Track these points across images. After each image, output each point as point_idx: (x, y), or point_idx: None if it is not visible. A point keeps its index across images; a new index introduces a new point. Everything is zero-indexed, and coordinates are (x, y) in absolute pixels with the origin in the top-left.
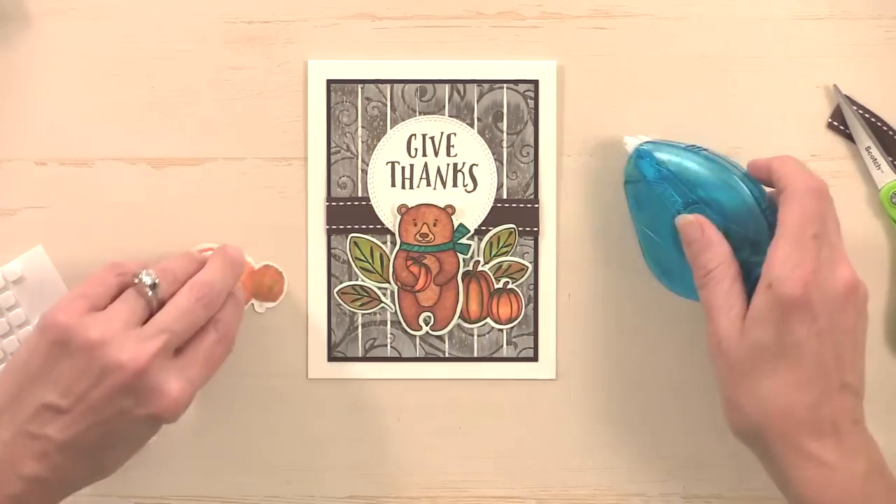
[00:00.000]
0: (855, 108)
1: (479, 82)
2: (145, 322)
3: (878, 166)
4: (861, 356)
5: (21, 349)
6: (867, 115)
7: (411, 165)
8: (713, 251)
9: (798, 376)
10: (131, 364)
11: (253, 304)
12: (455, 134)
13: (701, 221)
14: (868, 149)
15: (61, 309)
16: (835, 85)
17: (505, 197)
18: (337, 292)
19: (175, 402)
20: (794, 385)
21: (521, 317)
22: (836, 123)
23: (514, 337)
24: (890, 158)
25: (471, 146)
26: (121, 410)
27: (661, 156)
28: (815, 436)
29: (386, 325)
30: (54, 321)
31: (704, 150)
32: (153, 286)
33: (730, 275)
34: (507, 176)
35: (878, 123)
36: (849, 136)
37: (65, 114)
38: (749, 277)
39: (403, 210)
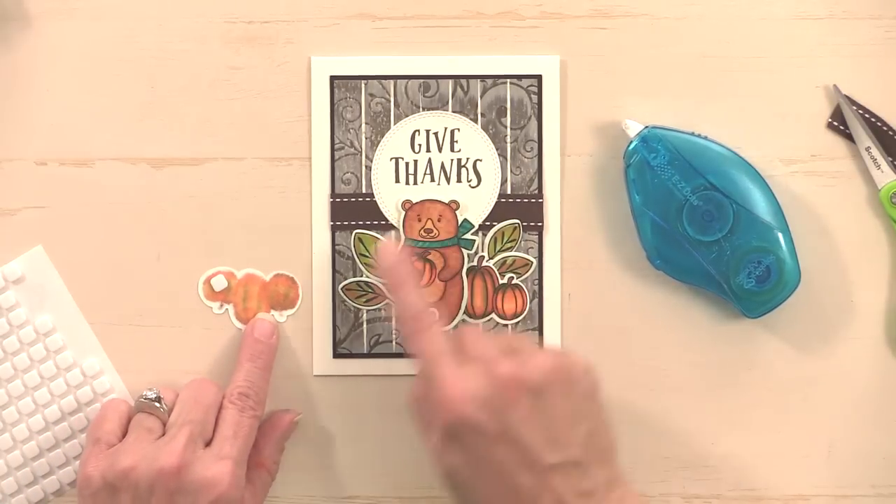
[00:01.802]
0: (855, 108)
1: (483, 77)
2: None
3: (878, 166)
4: (579, 423)
5: None
6: (867, 115)
7: (415, 161)
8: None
9: (496, 486)
10: (167, 465)
11: (274, 315)
12: (459, 129)
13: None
14: (868, 149)
15: (85, 462)
16: (835, 85)
17: (509, 192)
18: (341, 288)
19: (224, 482)
20: (497, 495)
21: (525, 312)
22: (836, 123)
23: (519, 332)
24: (890, 158)
25: (474, 141)
26: None
27: (668, 140)
28: None
29: (391, 320)
30: (85, 475)
31: (705, 137)
32: (158, 399)
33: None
34: (510, 171)
35: (878, 123)
36: (849, 136)
37: (65, 114)
38: (759, 266)
39: (408, 206)
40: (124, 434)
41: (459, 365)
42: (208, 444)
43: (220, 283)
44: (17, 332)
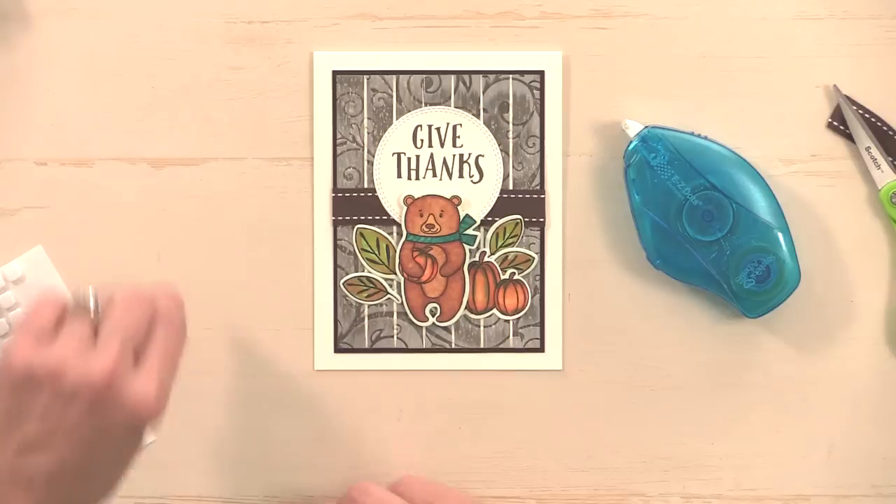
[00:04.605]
0: (855, 108)
1: (485, 73)
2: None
3: (878, 166)
4: None
5: None
6: (867, 115)
7: (417, 156)
8: None
9: None
10: (98, 375)
11: None
12: (461, 125)
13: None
14: (868, 149)
15: (11, 351)
16: (835, 85)
17: (511, 188)
18: (343, 283)
19: (150, 402)
20: None
21: (527, 308)
22: (836, 123)
23: (521, 328)
24: (890, 158)
25: (477, 137)
26: (99, 426)
27: (668, 140)
28: None
29: (392, 316)
30: (9, 364)
31: (705, 137)
32: (95, 301)
33: None
34: (513, 167)
35: (878, 123)
36: (849, 136)
37: (65, 114)
38: (759, 266)
39: (409, 201)
40: (56, 330)
41: None
42: (136, 358)
43: None
44: None
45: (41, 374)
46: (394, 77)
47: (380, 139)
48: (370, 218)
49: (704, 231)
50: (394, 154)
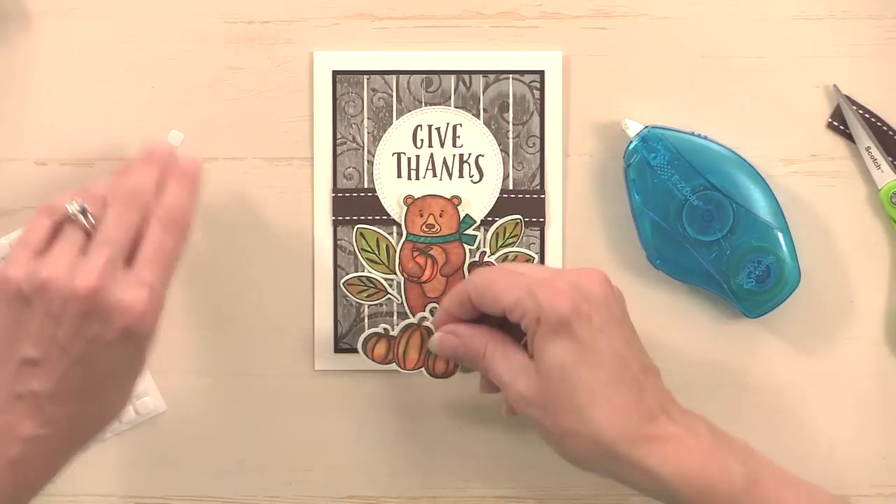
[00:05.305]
0: (855, 108)
1: (485, 73)
2: None
3: (878, 166)
4: (637, 337)
5: None
6: (867, 115)
7: (417, 156)
8: (473, 338)
9: (605, 376)
10: (83, 287)
11: None
12: (461, 125)
13: (446, 331)
14: (868, 149)
15: (9, 263)
16: (835, 85)
17: (511, 188)
18: (343, 284)
19: (139, 309)
20: (605, 385)
21: None
22: (836, 123)
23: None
24: (890, 158)
25: (477, 137)
26: (92, 339)
27: (668, 140)
28: (648, 420)
29: (392, 316)
30: (4, 277)
31: (705, 137)
32: (83, 211)
33: (498, 342)
34: (513, 167)
35: (878, 123)
36: (849, 136)
37: (65, 114)
38: (759, 266)
39: (409, 201)
40: (51, 243)
41: None
42: (131, 261)
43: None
44: None
45: (30, 291)
46: (394, 77)
47: (380, 139)
48: (370, 218)
49: (704, 231)
50: (394, 154)
